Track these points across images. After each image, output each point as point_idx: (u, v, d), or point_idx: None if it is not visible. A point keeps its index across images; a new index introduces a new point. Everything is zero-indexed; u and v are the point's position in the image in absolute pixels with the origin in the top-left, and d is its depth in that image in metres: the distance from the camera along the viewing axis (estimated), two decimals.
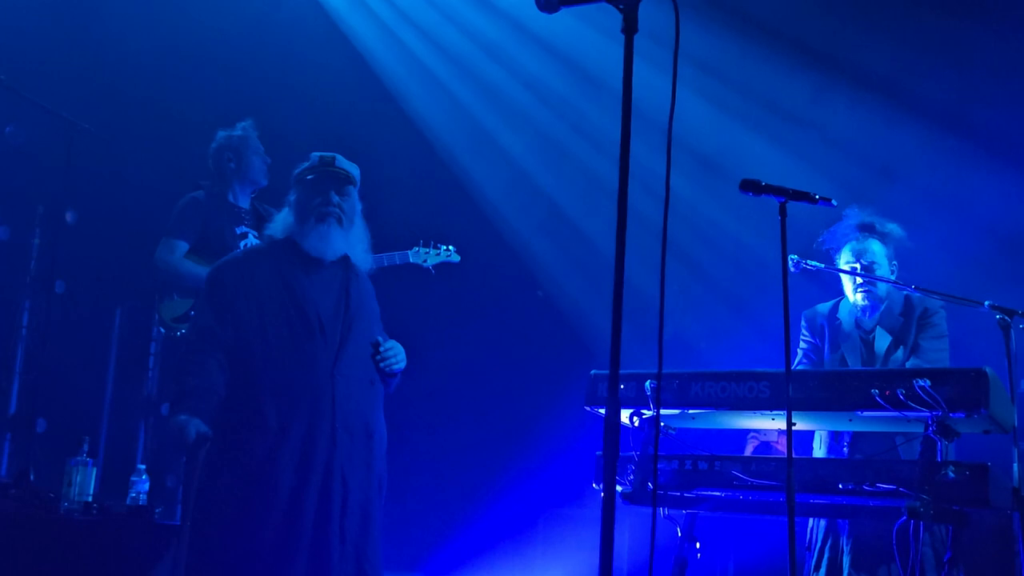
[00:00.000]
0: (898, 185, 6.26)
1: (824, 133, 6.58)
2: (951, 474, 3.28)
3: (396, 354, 4.00)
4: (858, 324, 4.65)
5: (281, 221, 4.06)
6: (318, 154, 4.04)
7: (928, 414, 3.34)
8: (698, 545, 3.86)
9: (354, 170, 4.07)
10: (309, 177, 4.00)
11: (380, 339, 4.00)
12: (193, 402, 3.63)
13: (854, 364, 4.55)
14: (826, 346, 4.67)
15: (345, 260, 4.02)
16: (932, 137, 6.27)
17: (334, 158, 4.02)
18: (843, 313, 4.69)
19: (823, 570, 4.37)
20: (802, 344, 4.76)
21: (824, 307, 4.78)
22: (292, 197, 4.05)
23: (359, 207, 4.08)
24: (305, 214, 3.96)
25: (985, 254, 5.91)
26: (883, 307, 4.61)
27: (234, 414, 3.71)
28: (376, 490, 3.86)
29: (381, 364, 3.95)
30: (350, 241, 4.03)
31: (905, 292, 4.58)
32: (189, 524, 3.79)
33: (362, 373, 3.91)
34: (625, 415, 3.73)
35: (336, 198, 3.96)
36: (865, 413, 3.47)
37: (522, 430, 6.76)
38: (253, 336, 3.78)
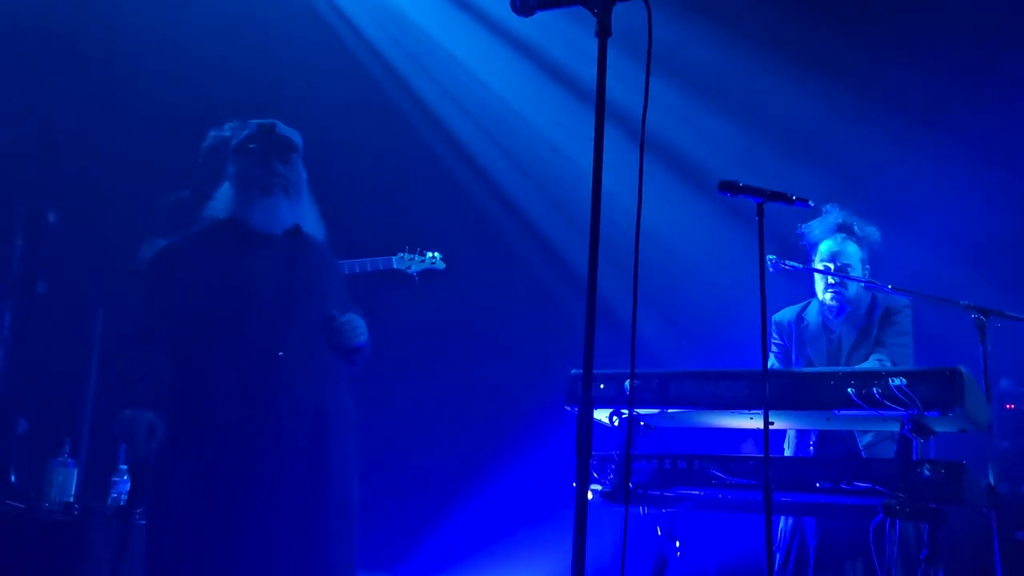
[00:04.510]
0: (872, 183, 6.31)
1: (793, 131, 6.62)
2: (927, 472, 3.31)
3: (353, 328, 3.62)
4: (825, 324, 4.70)
5: (222, 198, 3.76)
6: (256, 122, 3.75)
7: (904, 413, 3.37)
8: (678, 544, 3.89)
9: (296, 136, 3.78)
10: (249, 147, 3.71)
11: (335, 313, 3.61)
12: (137, 392, 3.36)
13: (819, 363, 4.61)
14: (793, 348, 4.73)
15: (296, 231, 3.73)
16: (906, 136, 6.33)
17: (274, 125, 3.73)
18: (810, 314, 4.76)
19: (790, 569, 4.41)
20: (773, 348, 4.81)
21: (792, 310, 4.84)
22: (231, 170, 3.75)
23: (304, 176, 3.78)
24: (248, 187, 3.67)
25: (960, 254, 5.96)
26: (850, 308, 4.65)
27: (178, 407, 3.44)
28: (335, 475, 3.55)
29: (333, 340, 3.59)
30: (298, 211, 3.73)
31: (872, 292, 4.63)
32: (146, 518, 3.61)
33: (314, 351, 3.59)
34: (604, 415, 3.76)
35: (280, 167, 3.67)
36: (842, 412, 3.51)
37: (504, 429, 6.75)
38: (192, 325, 3.50)
